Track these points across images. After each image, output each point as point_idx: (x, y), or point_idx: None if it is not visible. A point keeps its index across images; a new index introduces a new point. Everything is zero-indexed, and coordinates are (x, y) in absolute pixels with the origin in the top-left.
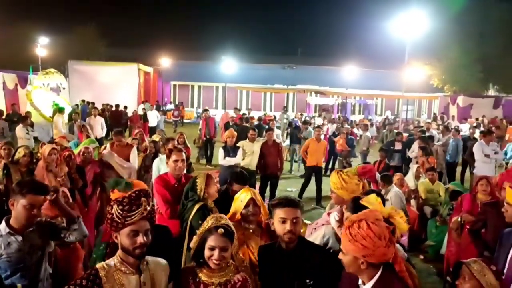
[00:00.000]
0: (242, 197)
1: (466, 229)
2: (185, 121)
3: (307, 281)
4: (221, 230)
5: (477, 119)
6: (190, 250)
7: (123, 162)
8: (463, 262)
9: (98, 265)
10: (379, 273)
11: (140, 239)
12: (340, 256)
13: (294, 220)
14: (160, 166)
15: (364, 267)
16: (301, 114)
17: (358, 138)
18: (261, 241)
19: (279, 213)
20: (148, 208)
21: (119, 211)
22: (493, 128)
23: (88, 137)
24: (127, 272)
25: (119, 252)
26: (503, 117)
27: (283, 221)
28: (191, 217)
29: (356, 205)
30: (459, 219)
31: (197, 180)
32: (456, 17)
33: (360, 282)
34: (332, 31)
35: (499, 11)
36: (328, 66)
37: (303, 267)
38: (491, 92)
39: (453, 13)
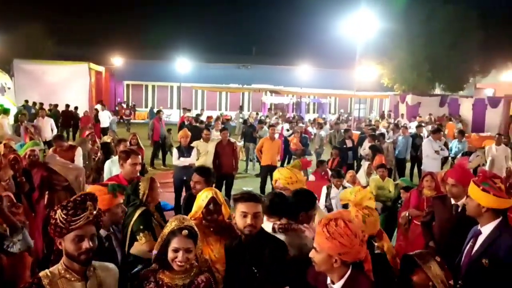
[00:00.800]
0: (203, 196)
1: (414, 223)
2: (138, 121)
3: (254, 269)
4: (185, 232)
5: (434, 120)
6: (130, 257)
7: (67, 163)
8: (410, 255)
9: (41, 273)
10: (349, 272)
11: (86, 244)
12: (312, 254)
13: (255, 214)
14: (112, 168)
15: (337, 265)
16: (257, 113)
17: (312, 136)
18: (222, 239)
19: (240, 207)
20: (95, 212)
21: (63, 215)
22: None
23: (31, 139)
24: (72, 279)
25: (64, 258)
26: (448, 115)
27: (244, 215)
28: (132, 222)
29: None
30: (407, 214)
31: (139, 184)
32: (404, 18)
33: (329, 281)
34: (286, 31)
35: (445, 12)
36: (282, 66)
37: (258, 258)
38: (438, 91)
39: (401, 13)
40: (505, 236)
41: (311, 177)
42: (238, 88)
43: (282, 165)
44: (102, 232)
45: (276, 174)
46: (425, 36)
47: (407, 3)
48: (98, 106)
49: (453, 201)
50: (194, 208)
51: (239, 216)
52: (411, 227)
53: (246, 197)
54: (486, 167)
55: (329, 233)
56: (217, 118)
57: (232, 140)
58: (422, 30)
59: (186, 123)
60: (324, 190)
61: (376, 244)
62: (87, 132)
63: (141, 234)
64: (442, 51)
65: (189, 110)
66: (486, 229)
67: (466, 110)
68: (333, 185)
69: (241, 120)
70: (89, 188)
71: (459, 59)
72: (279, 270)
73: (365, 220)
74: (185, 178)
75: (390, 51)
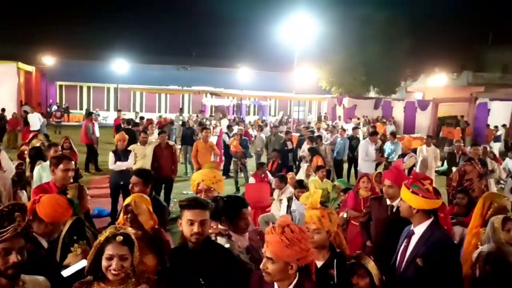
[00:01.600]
0: (126, 203)
1: (351, 224)
2: (72, 123)
3: (201, 280)
4: (119, 238)
5: (369, 121)
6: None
7: None
8: (356, 260)
9: None
10: (297, 276)
11: (13, 258)
12: (266, 265)
13: (202, 222)
14: (42, 174)
15: (292, 271)
16: (197, 116)
17: (253, 139)
18: (148, 246)
19: (187, 214)
20: (23, 223)
21: None
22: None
23: None
24: None
25: None
26: (381, 117)
27: (191, 223)
28: (63, 233)
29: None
30: (345, 215)
31: (67, 192)
32: (341, 23)
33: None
34: (226, 33)
35: (378, 19)
36: (223, 68)
37: (204, 267)
38: (372, 94)
39: (337, 19)
40: (437, 236)
41: (251, 179)
42: (178, 90)
43: (225, 169)
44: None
45: (198, 176)
46: (360, 41)
47: (343, 9)
48: (26, 108)
49: (388, 202)
50: (121, 217)
51: (186, 224)
52: (349, 228)
53: (193, 204)
54: (417, 168)
55: (288, 241)
56: (150, 122)
57: (171, 142)
58: (358, 36)
59: (122, 125)
60: (284, 202)
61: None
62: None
63: (75, 245)
64: (376, 56)
65: (120, 111)
66: (418, 230)
67: (398, 112)
68: (294, 197)
69: (180, 123)
70: (48, 199)
71: (391, 64)
72: (227, 281)
73: (331, 219)
74: (122, 182)
75: (328, 55)
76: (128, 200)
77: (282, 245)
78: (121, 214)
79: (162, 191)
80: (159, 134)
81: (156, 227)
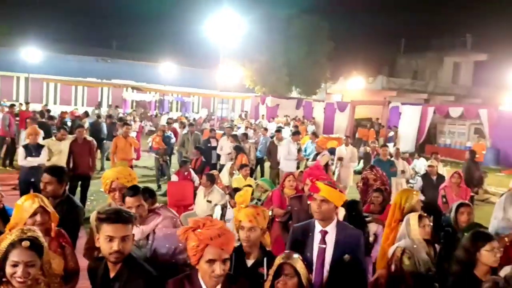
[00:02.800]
0: (27, 205)
1: (276, 222)
2: None
3: None
4: (26, 243)
5: (290, 121)
6: None
7: None
8: (284, 259)
9: None
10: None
11: None
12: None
13: (124, 238)
14: None
15: None
16: (116, 107)
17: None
18: (50, 251)
19: (106, 229)
20: None
21: None
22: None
23: None
24: None
25: None
26: (303, 117)
27: (110, 239)
28: None
29: None
30: (269, 213)
31: None
32: (265, 23)
33: None
34: (150, 26)
35: (301, 21)
36: (145, 62)
37: None
38: (294, 94)
39: (262, 19)
40: (348, 229)
41: (174, 177)
42: (97, 83)
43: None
44: None
45: (111, 174)
46: (283, 42)
47: (268, 9)
48: None
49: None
50: (14, 219)
51: (104, 240)
52: (273, 226)
53: (114, 217)
54: (333, 167)
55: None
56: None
57: (89, 138)
58: (281, 37)
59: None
60: (218, 210)
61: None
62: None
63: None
64: (299, 58)
65: (28, 104)
66: (330, 228)
67: (318, 113)
68: (229, 205)
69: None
70: None
71: (313, 66)
72: None
73: (265, 216)
74: (33, 179)
75: (252, 54)
76: (28, 201)
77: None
78: (14, 219)
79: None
80: (76, 128)
81: (57, 228)
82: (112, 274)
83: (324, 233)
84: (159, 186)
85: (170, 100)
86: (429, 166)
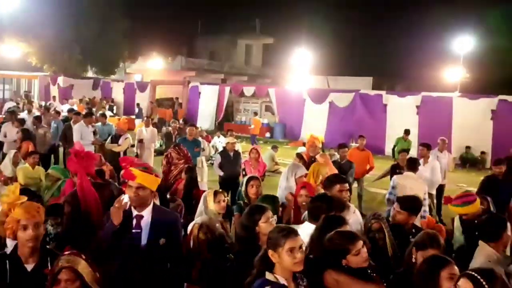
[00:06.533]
0: None
1: None
2: None
3: None
4: None
5: (87, 102)
6: None
7: None
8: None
9: None
10: None
11: None
12: None
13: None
14: None
15: None
16: None
17: None
18: None
19: None
20: None
21: None
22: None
23: None
24: None
25: None
26: (102, 97)
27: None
28: None
29: None
30: None
31: None
32: None
33: None
34: None
35: None
36: None
37: None
38: (90, 73)
39: None
40: (164, 212)
41: None
42: None
43: None
44: None
45: None
46: (74, 18)
47: None
48: None
49: None
50: None
51: None
52: None
53: None
54: (135, 148)
55: None
56: None
57: None
58: (71, 12)
59: None
60: None
61: None
62: None
63: None
64: (92, 35)
65: None
66: (146, 212)
67: (118, 93)
68: None
69: None
70: None
71: (108, 44)
72: None
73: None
74: None
75: (35, 30)
76: None
77: None
78: None
79: None
80: None
81: None
82: None
83: (139, 218)
84: None
85: None
86: (227, 143)
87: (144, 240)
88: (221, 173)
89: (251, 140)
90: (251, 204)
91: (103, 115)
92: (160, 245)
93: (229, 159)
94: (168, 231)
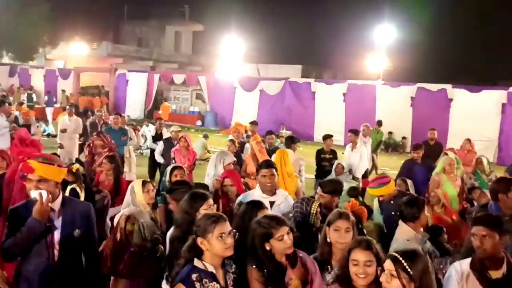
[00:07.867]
0: None
1: None
2: None
3: None
4: None
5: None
6: None
7: None
8: None
9: None
10: None
11: None
12: None
13: None
14: None
15: None
16: None
17: None
18: None
19: None
20: None
21: None
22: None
23: None
24: None
25: None
26: (20, 85)
27: None
28: None
29: None
30: None
31: None
32: None
33: None
34: None
35: None
36: None
37: None
38: (7, 60)
39: None
40: (76, 203)
41: None
42: None
43: None
44: None
45: None
46: None
47: None
48: None
49: None
50: None
51: None
52: None
53: None
54: (57, 138)
55: None
56: None
57: None
58: None
59: None
60: None
61: None
62: None
63: None
64: (8, 17)
65: None
66: (56, 205)
67: (37, 81)
68: None
69: None
70: None
71: (26, 27)
72: None
73: None
74: None
75: None
76: None
77: None
78: None
79: None
80: None
81: None
82: None
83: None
84: None
85: None
86: (171, 131)
87: (57, 234)
88: (162, 161)
89: None
90: (192, 190)
91: (21, 104)
92: (75, 237)
93: (172, 147)
94: (82, 222)
